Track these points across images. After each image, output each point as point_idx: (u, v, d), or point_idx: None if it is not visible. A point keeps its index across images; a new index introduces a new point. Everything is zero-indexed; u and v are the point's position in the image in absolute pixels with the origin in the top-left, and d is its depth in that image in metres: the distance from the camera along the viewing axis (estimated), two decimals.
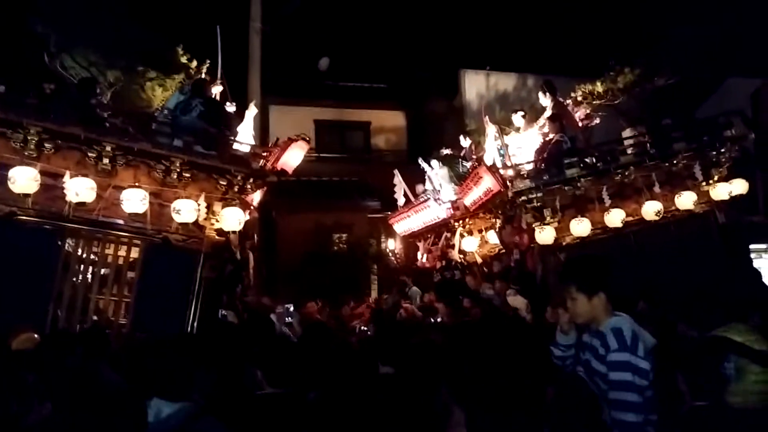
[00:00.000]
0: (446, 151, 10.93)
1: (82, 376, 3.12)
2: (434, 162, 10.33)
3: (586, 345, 2.83)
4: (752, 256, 8.22)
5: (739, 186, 7.50)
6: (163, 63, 7.36)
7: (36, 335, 4.66)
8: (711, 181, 7.49)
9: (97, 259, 6.12)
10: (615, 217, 7.18)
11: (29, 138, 5.53)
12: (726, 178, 7.50)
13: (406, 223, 11.53)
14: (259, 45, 12.59)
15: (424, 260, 11.41)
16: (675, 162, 7.43)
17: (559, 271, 7.12)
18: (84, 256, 6.06)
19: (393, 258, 15.36)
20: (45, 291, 5.65)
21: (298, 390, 2.98)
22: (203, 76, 7.68)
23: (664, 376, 2.97)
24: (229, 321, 6.36)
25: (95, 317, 6.00)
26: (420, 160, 10.69)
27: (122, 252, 6.19)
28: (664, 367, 2.91)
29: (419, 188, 11.02)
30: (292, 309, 7.42)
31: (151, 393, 2.40)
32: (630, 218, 7.31)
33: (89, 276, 6.11)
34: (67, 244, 5.97)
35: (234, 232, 6.52)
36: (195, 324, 6.00)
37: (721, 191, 7.40)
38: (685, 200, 7.33)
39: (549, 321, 5.54)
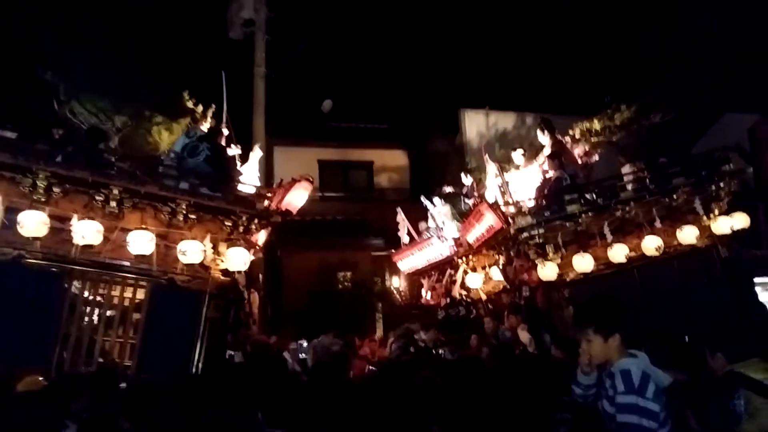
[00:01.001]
0: (448, 189, 11.04)
1: (96, 426, 3.13)
2: (436, 200, 10.42)
3: (602, 385, 2.87)
4: (757, 289, 8.18)
5: (740, 220, 7.54)
6: (170, 108, 7.52)
7: (41, 378, 4.69)
8: (712, 216, 7.53)
9: (103, 300, 6.16)
10: (618, 253, 7.21)
11: (38, 182, 5.64)
12: (727, 212, 7.55)
13: (409, 261, 11.56)
14: (264, 89, 12.89)
15: (429, 297, 11.39)
16: (675, 197, 7.49)
17: (571, 311, 7.20)
18: (90, 297, 6.11)
19: (397, 296, 15.31)
20: (51, 333, 5.68)
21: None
22: (209, 120, 7.83)
23: (676, 413, 2.96)
24: (236, 361, 6.35)
25: (101, 359, 5.99)
26: (422, 198, 10.78)
27: (128, 293, 6.23)
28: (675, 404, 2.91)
29: (422, 226, 11.09)
30: (305, 345, 7.38)
31: None
32: (633, 253, 7.34)
33: (95, 318, 6.14)
34: (73, 287, 6.01)
35: (239, 272, 6.56)
36: (200, 364, 5.99)
37: (723, 225, 7.43)
38: (687, 235, 7.36)
39: (556, 357, 5.54)
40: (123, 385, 5.38)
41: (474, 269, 9.99)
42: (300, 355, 7.08)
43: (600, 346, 2.82)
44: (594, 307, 3.02)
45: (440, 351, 8.22)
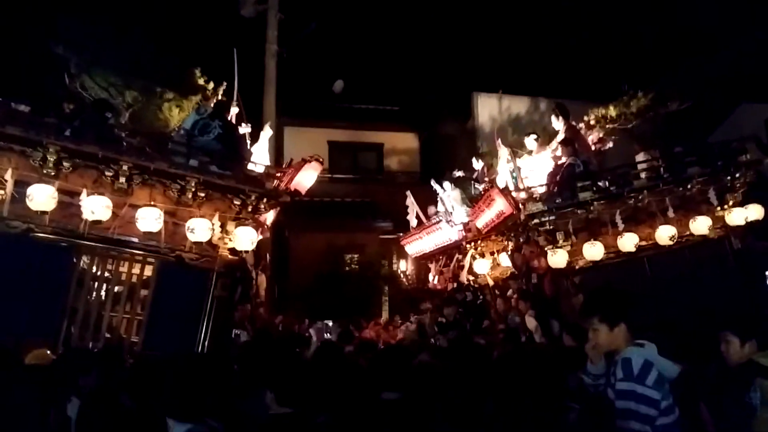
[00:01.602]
0: (458, 173, 10.96)
1: (100, 401, 3.14)
2: (446, 184, 10.34)
3: (611, 374, 2.87)
4: None
5: (754, 211, 7.41)
6: (180, 84, 7.49)
7: (49, 352, 4.72)
8: (726, 206, 7.41)
9: (111, 276, 6.16)
10: (628, 242, 7.11)
11: (48, 156, 5.62)
12: (741, 203, 7.42)
13: (417, 245, 11.52)
14: (275, 67, 12.79)
15: (436, 282, 11.38)
16: (689, 186, 7.35)
17: (580, 298, 7.13)
18: (98, 273, 6.11)
19: (404, 279, 15.33)
20: (59, 307, 5.70)
21: (307, 411, 2.96)
22: (220, 97, 7.79)
23: (688, 405, 2.93)
24: (242, 340, 6.36)
25: (108, 335, 6.02)
26: (432, 182, 10.71)
27: (136, 270, 6.23)
28: (687, 396, 2.88)
29: (431, 210, 11.03)
30: (331, 324, 7.39)
31: (162, 412, 2.41)
32: (644, 242, 7.24)
33: (103, 293, 6.15)
34: (81, 262, 6.02)
35: (247, 252, 6.55)
36: (206, 343, 6.01)
37: (737, 216, 7.31)
38: (700, 225, 7.25)
39: (566, 345, 5.50)
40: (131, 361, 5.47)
41: (482, 255, 9.95)
42: (325, 334, 7.08)
43: (605, 334, 2.85)
44: (600, 297, 3.05)
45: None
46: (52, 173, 5.69)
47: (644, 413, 2.58)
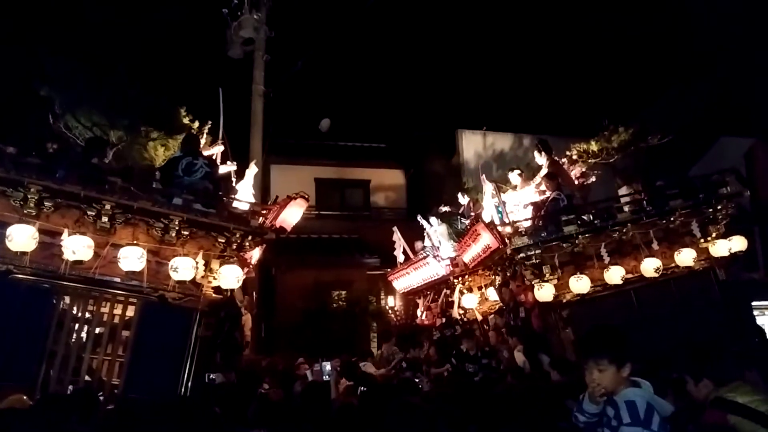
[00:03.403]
0: (445, 209, 11.01)
1: None
2: (433, 219, 10.37)
3: (604, 413, 2.85)
4: (755, 313, 8.12)
5: (738, 243, 7.49)
6: (166, 123, 7.51)
7: (25, 397, 4.58)
8: (709, 238, 7.49)
9: (92, 317, 6.03)
10: (615, 274, 7.14)
11: (29, 196, 5.55)
12: (724, 235, 7.51)
13: (405, 280, 11.47)
14: (262, 107, 12.90)
15: (424, 317, 11.29)
16: (672, 219, 7.44)
17: (569, 333, 7.11)
18: (79, 314, 5.97)
19: (392, 315, 15.20)
20: (38, 350, 5.54)
21: None
22: (205, 136, 7.80)
23: None
24: (217, 383, 6.22)
25: (88, 377, 5.86)
26: (419, 218, 10.74)
27: (118, 310, 6.10)
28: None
29: (418, 245, 11.02)
30: (328, 367, 7.25)
31: None
32: (630, 275, 7.27)
33: (83, 335, 6.01)
34: (62, 303, 5.90)
35: (238, 288, 6.48)
36: (189, 384, 5.86)
37: (721, 248, 7.39)
38: (685, 257, 7.31)
39: (553, 380, 5.45)
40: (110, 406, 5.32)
41: (470, 289, 9.92)
42: (324, 377, 6.93)
43: (613, 376, 2.80)
44: (607, 337, 2.97)
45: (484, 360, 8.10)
46: (33, 213, 5.60)
47: None
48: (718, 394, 3.24)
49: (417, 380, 8.24)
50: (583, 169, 8.89)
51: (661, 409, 2.70)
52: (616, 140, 8.39)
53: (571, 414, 3.00)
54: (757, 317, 8.13)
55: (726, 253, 7.42)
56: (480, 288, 9.78)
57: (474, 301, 9.71)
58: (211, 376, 6.34)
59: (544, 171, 8.51)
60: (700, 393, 3.33)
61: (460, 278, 9.93)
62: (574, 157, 8.87)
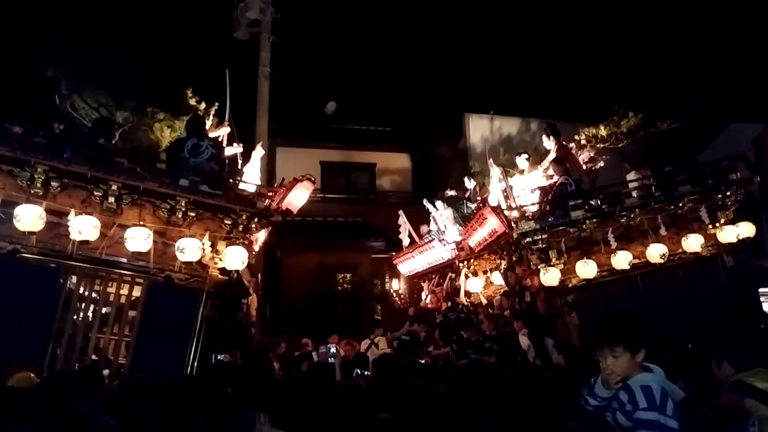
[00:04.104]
0: (451, 193, 10.97)
1: (78, 420, 3.06)
2: (439, 203, 10.35)
3: (616, 398, 2.83)
4: (762, 300, 8.09)
5: (746, 229, 7.46)
6: (172, 105, 7.47)
7: (33, 375, 4.61)
8: (717, 224, 7.45)
9: (98, 297, 6.07)
10: (621, 260, 7.12)
11: (36, 176, 5.55)
12: (732, 221, 7.46)
13: (410, 264, 11.49)
14: (268, 89, 12.83)
15: (428, 301, 11.32)
16: (680, 205, 7.40)
17: (574, 317, 7.10)
18: (86, 294, 6.01)
19: (397, 298, 15.24)
20: (45, 329, 5.58)
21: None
22: (211, 117, 7.77)
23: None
24: (225, 363, 6.25)
25: (94, 356, 5.91)
26: (425, 201, 10.71)
27: (124, 290, 6.14)
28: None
29: (424, 229, 11.02)
30: (333, 349, 7.29)
31: None
32: (637, 261, 7.25)
33: (90, 314, 6.05)
34: (69, 283, 5.93)
35: (238, 272, 6.49)
36: (195, 364, 5.91)
37: (729, 234, 7.35)
38: (692, 243, 7.28)
39: (555, 363, 5.44)
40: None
41: (475, 273, 9.93)
42: (329, 359, 6.97)
43: (628, 362, 2.78)
44: (623, 323, 2.94)
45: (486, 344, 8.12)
46: (40, 193, 5.62)
47: None
48: (738, 378, 3.22)
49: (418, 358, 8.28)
50: (591, 154, 8.83)
51: (673, 394, 2.70)
52: (626, 125, 8.30)
53: (581, 398, 2.98)
54: (763, 304, 8.09)
55: (734, 240, 7.39)
56: (485, 272, 9.79)
57: (479, 285, 9.72)
58: (219, 356, 6.37)
59: (552, 155, 8.45)
60: (722, 374, 3.31)
61: (465, 262, 9.93)
62: (583, 141, 8.79)
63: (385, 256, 14.41)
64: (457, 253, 9.93)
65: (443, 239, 10.07)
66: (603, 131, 8.49)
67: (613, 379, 2.80)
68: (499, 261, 9.00)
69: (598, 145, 8.61)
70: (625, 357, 2.78)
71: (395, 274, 14.44)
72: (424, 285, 11.67)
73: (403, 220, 11.61)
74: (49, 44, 7.25)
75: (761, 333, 5.94)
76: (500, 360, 7.42)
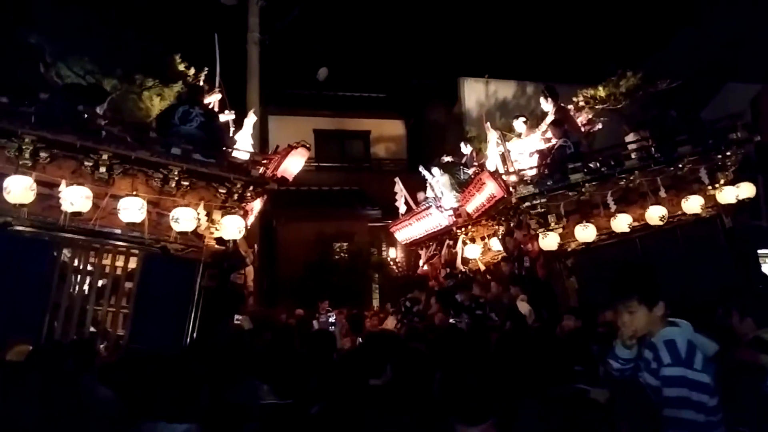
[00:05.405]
0: (447, 159, 10.85)
1: (74, 390, 3.00)
2: (435, 169, 10.23)
3: (642, 357, 2.70)
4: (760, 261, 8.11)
5: (746, 189, 7.41)
6: (161, 71, 7.26)
7: (31, 348, 4.55)
8: (717, 185, 7.39)
9: (94, 269, 5.98)
10: (621, 223, 7.07)
11: (24, 147, 5.41)
12: (732, 182, 7.41)
13: (407, 231, 11.44)
14: (258, 55, 12.54)
15: (426, 269, 11.31)
16: (680, 166, 7.32)
17: (573, 281, 7.08)
18: (81, 266, 5.92)
19: (394, 267, 15.26)
20: (41, 302, 5.50)
21: (302, 402, 2.85)
22: (201, 84, 7.58)
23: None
24: (243, 328, 6.23)
25: (92, 329, 5.85)
26: (421, 168, 10.60)
27: (120, 262, 6.05)
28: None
29: (420, 196, 10.94)
30: (333, 318, 7.28)
31: (152, 414, 2.27)
32: (636, 223, 7.21)
33: (86, 287, 5.97)
34: (63, 255, 5.83)
35: (235, 241, 6.41)
36: (194, 335, 5.86)
37: (728, 195, 7.29)
38: (692, 204, 7.23)
39: (566, 330, 5.42)
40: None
41: (473, 240, 9.88)
42: (329, 328, 6.96)
43: (645, 317, 2.62)
44: (635, 276, 2.79)
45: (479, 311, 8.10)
46: (29, 164, 5.48)
47: (697, 400, 2.41)
48: (757, 334, 3.19)
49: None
50: (589, 116, 8.71)
51: (704, 348, 2.55)
52: (625, 85, 8.16)
53: (603, 360, 2.90)
54: (762, 265, 8.10)
55: (733, 200, 7.34)
56: (483, 238, 9.74)
57: (477, 251, 9.68)
58: (238, 317, 6.32)
59: (550, 118, 8.33)
60: (742, 329, 3.28)
61: (463, 228, 9.87)
62: (581, 103, 8.66)
63: (382, 224, 14.37)
64: (454, 219, 9.87)
65: (440, 206, 9.99)
66: (602, 92, 8.35)
67: (627, 334, 2.66)
68: (497, 227, 8.95)
69: (596, 107, 8.48)
70: (641, 311, 2.62)
71: (392, 242, 14.43)
72: (422, 252, 11.65)
73: (399, 187, 11.52)
74: (31, 10, 7.00)
75: (761, 293, 5.96)
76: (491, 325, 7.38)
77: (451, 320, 7.54)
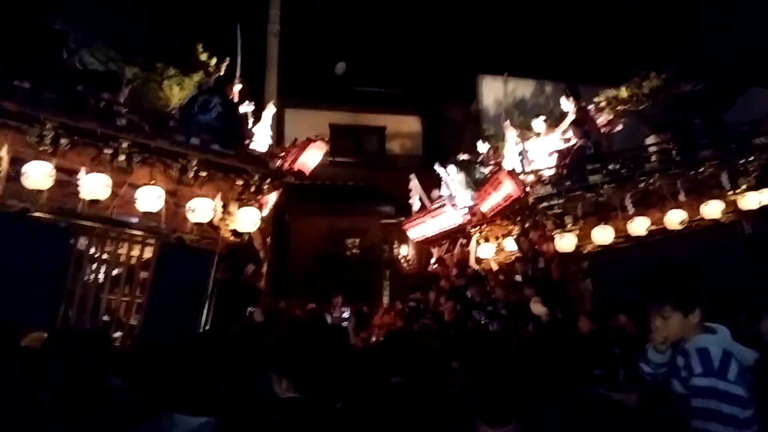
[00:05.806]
0: (463, 157, 10.78)
1: (93, 378, 3.01)
2: (451, 167, 10.18)
3: (674, 363, 2.57)
4: None
5: None
6: (182, 60, 7.28)
7: (46, 335, 4.57)
8: (738, 190, 7.27)
9: (109, 258, 6.00)
10: (639, 226, 6.99)
11: (45, 133, 5.43)
12: (755, 188, 7.29)
13: (420, 229, 11.40)
14: (277, 48, 12.53)
15: (436, 267, 11.26)
16: (701, 170, 7.22)
17: (588, 284, 7.00)
18: (96, 254, 5.93)
19: (405, 264, 15.23)
20: (56, 290, 5.52)
21: (324, 397, 2.83)
22: (222, 74, 7.59)
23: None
24: (256, 319, 6.23)
25: (106, 317, 5.87)
26: (436, 166, 10.54)
27: (135, 251, 6.06)
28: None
29: (435, 194, 10.89)
30: (347, 314, 7.26)
31: (169, 405, 2.25)
32: (654, 227, 7.12)
33: (101, 275, 5.99)
34: (79, 243, 5.84)
35: (250, 234, 6.41)
36: (208, 326, 5.87)
37: (750, 201, 7.18)
38: (712, 209, 7.12)
39: (581, 332, 5.37)
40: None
41: (486, 239, 9.82)
42: (343, 323, 6.94)
43: (679, 323, 2.47)
44: (671, 280, 2.57)
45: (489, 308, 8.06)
46: (50, 150, 5.50)
47: (727, 413, 2.28)
48: None
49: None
50: (610, 117, 8.61)
51: (742, 357, 2.42)
52: (647, 86, 8.06)
53: (625, 364, 2.85)
54: None
55: (755, 206, 7.22)
56: (497, 238, 9.67)
57: (490, 251, 9.62)
58: (251, 309, 6.33)
59: (571, 117, 8.24)
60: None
61: (477, 228, 9.82)
62: (602, 104, 8.56)
63: (395, 221, 14.32)
64: (468, 218, 9.81)
65: (455, 204, 9.94)
66: (624, 93, 8.25)
67: (658, 341, 2.53)
68: (511, 227, 8.88)
69: (617, 108, 8.38)
70: (675, 317, 2.46)
71: (404, 239, 14.38)
72: (434, 251, 11.60)
73: (414, 184, 11.48)
74: None
75: None
76: (503, 325, 7.35)
77: (474, 314, 7.51)
